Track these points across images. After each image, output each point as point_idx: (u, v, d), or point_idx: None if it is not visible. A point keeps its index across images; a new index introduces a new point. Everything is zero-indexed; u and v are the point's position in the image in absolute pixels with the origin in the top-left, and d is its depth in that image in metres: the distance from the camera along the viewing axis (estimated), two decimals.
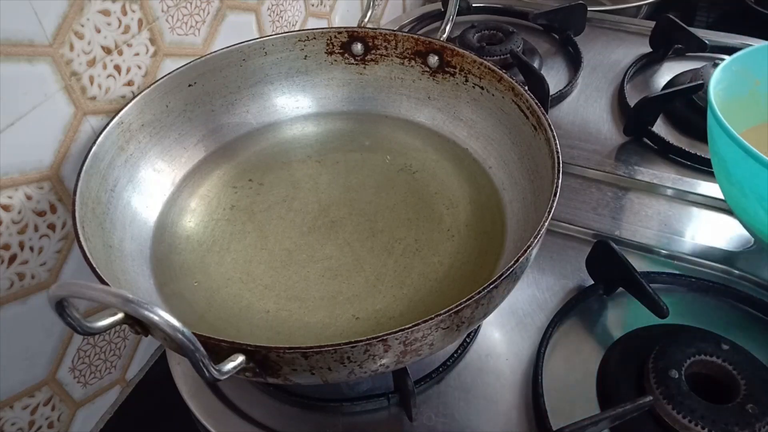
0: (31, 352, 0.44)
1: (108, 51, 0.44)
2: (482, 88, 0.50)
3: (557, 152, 0.40)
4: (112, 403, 0.53)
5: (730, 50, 0.72)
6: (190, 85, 0.50)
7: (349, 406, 0.43)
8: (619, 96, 0.68)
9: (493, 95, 0.49)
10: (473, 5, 0.82)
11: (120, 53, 0.46)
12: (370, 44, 0.54)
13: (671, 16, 0.72)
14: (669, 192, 0.58)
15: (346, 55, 0.54)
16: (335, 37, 0.54)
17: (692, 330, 0.45)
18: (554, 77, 0.73)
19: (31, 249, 0.42)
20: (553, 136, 0.41)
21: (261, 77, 0.54)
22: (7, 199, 0.40)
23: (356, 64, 0.55)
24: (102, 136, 0.43)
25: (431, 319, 0.31)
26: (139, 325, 0.32)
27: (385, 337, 0.30)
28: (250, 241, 0.46)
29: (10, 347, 0.42)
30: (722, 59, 0.54)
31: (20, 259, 0.41)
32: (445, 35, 0.52)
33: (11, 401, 0.43)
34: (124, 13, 0.45)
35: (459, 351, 0.46)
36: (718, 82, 0.50)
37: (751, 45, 0.71)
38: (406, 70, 0.54)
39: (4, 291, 0.41)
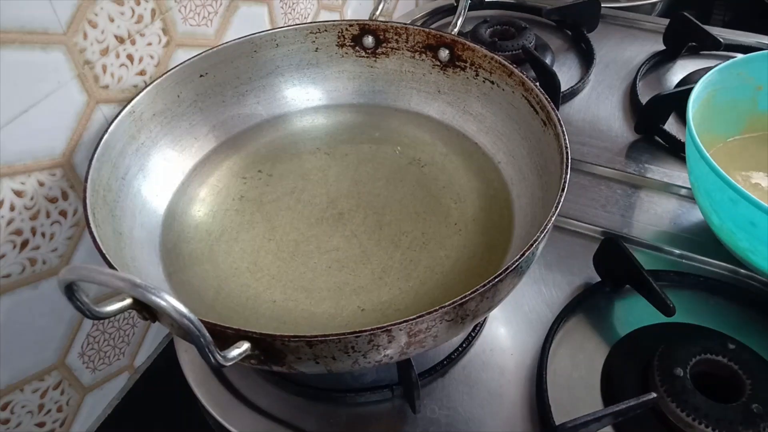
0: (41, 337, 0.44)
1: (121, 40, 0.45)
2: (492, 82, 0.50)
3: (566, 148, 0.40)
4: (120, 389, 0.53)
5: (744, 49, 0.71)
6: (201, 76, 0.50)
7: (353, 397, 0.43)
8: (631, 93, 0.68)
9: (503, 90, 0.49)
10: (486, 0, 0.82)
11: (133, 43, 0.46)
12: (381, 37, 0.54)
13: (686, 13, 0.71)
14: (679, 191, 0.57)
15: (357, 47, 0.55)
16: (346, 29, 0.54)
17: (698, 329, 0.45)
18: (566, 73, 0.72)
19: (43, 235, 0.43)
20: (563, 132, 0.41)
21: (272, 69, 0.54)
22: (20, 185, 0.40)
23: (367, 57, 0.55)
24: (114, 124, 0.43)
25: (436, 310, 0.31)
26: (146, 310, 0.32)
27: (389, 328, 0.31)
28: (258, 231, 0.46)
29: (21, 331, 0.43)
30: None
31: (32, 244, 0.42)
32: (456, 29, 0.52)
33: (21, 384, 0.44)
34: (138, 2, 0.45)
35: (464, 345, 0.46)
36: (697, 97, 0.50)
37: (766, 44, 0.70)
38: (417, 64, 0.54)
39: (16, 276, 0.41)
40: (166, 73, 0.48)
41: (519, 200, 0.47)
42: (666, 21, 0.75)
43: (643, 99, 0.65)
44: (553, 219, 0.35)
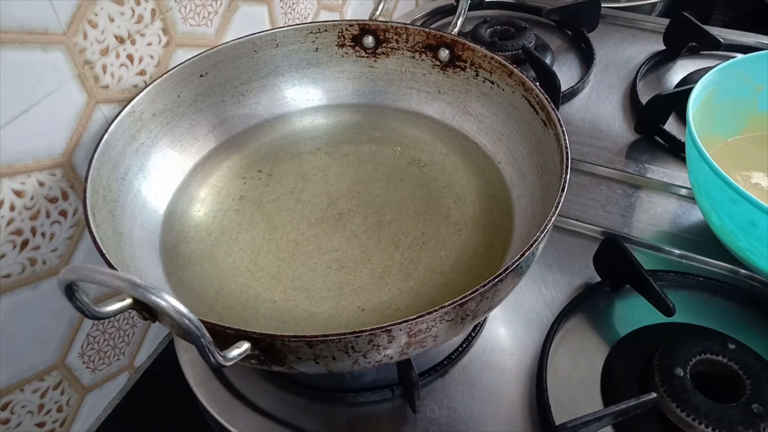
0: (41, 337, 0.44)
1: (121, 40, 0.45)
2: (492, 82, 0.50)
3: (566, 148, 0.40)
4: (120, 389, 0.53)
5: (744, 49, 0.71)
6: (201, 76, 0.50)
7: (353, 397, 0.43)
8: (631, 93, 0.68)
9: (503, 90, 0.49)
10: (486, 0, 0.82)
11: (133, 43, 0.46)
12: (381, 37, 0.54)
13: (686, 13, 0.71)
14: (679, 191, 0.58)
15: (357, 47, 0.55)
16: (346, 29, 0.54)
17: (698, 329, 0.45)
18: (566, 73, 0.72)
19: (43, 235, 0.43)
20: (563, 132, 0.41)
21: (272, 69, 0.54)
22: (20, 185, 0.40)
23: (367, 57, 0.55)
24: (114, 124, 0.43)
25: (436, 310, 0.31)
26: (146, 310, 0.32)
27: (389, 328, 0.30)
28: (258, 231, 0.46)
29: (21, 331, 0.43)
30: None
31: (32, 244, 0.42)
32: (456, 29, 0.52)
33: (22, 384, 0.44)
34: (138, 2, 0.45)
35: (464, 345, 0.46)
36: (697, 97, 0.50)
37: (766, 44, 0.70)
38: (417, 64, 0.54)
39: (16, 276, 0.41)
40: (166, 73, 0.48)
41: (519, 200, 0.47)
42: (666, 21, 0.75)
43: (643, 99, 0.65)
44: (553, 219, 0.35)
